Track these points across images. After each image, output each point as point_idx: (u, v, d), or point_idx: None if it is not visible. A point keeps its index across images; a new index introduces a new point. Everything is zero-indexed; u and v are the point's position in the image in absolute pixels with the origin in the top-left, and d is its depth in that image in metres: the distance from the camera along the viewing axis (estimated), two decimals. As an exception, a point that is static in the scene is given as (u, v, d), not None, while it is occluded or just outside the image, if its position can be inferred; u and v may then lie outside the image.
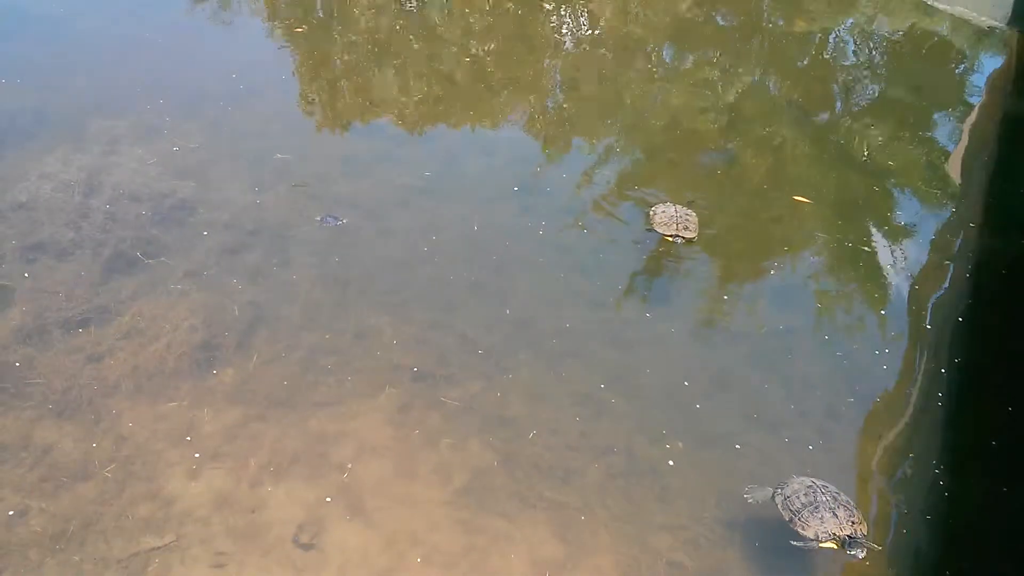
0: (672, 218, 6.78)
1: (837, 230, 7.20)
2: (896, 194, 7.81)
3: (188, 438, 5.12)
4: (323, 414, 5.34)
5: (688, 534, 4.84)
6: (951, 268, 6.90)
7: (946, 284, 6.74)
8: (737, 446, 5.32)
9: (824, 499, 4.66)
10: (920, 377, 5.90)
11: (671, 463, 5.19)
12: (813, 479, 4.82)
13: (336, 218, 6.66)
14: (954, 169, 8.18)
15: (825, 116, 9.12)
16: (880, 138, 8.52)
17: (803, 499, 4.70)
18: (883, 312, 6.45)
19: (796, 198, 7.58)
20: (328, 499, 4.86)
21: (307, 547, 4.63)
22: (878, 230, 7.26)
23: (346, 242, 6.68)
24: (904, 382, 5.86)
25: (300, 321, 5.94)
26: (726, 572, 4.67)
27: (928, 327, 6.32)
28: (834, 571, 4.75)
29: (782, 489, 4.83)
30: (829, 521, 4.58)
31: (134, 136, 7.68)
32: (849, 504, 4.69)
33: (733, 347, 6.05)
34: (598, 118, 8.87)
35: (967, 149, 8.42)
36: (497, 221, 7.03)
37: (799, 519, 4.65)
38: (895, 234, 7.25)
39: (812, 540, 4.58)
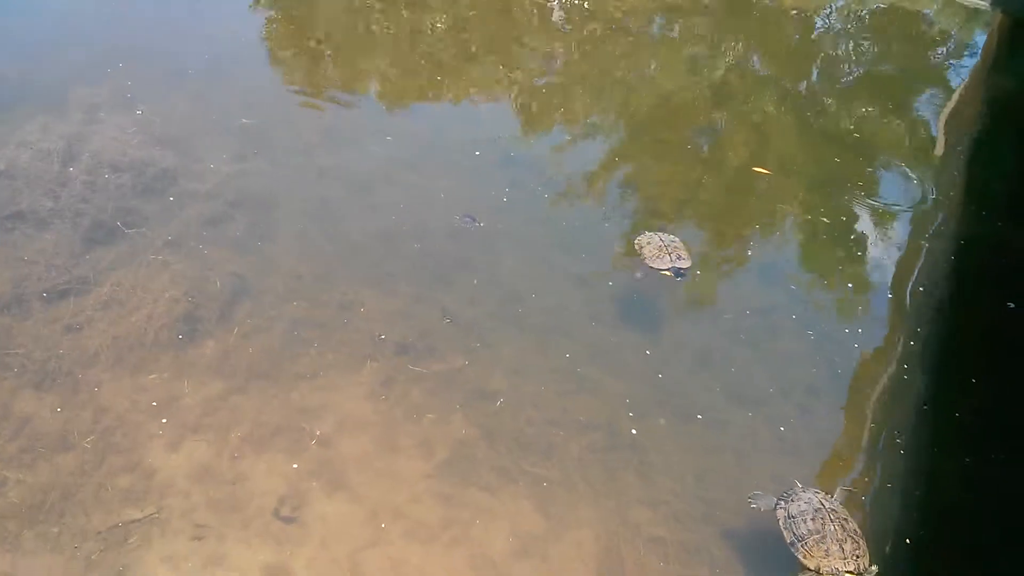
0: (661, 249, 6.33)
1: (818, 208, 7.21)
2: (879, 172, 7.83)
3: (169, 410, 5.09)
4: (305, 387, 5.31)
5: (668, 509, 4.86)
6: (931, 247, 6.92)
7: (926, 263, 6.77)
8: (699, 416, 5.34)
9: (832, 528, 4.46)
10: (898, 355, 5.93)
11: (652, 437, 5.21)
12: (821, 498, 4.64)
13: (473, 219, 6.59)
14: (937, 147, 8.20)
15: (810, 94, 9.11)
16: (864, 116, 8.52)
17: (810, 525, 4.50)
18: (863, 290, 6.48)
19: (756, 169, 7.58)
20: (310, 472, 4.84)
21: (288, 520, 4.62)
22: (860, 208, 7.28)
23: (330, 215, 6.63)
24: (883, 360, 5.90)
25: (283, 293, 5.90)
26: (706, 547, 4.70)
27: (907, 306, 6.35)
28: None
29: (786, 504, 4.64)
30: (835, 555, 4.40)
31: (114, 105, 7.57)
32: (856, 534, 4.50)
33: (715, 325, 6.06)
34: (585, 93, 8.82)
35: (949, 127, 8.44)
36: (483, 196, 6.99)
37: (803, 546, 4.47)
38: (877, 212, 7.27)
39: (812, 571, 4.42)
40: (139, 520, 4.53)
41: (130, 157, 6.95)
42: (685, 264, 6.26)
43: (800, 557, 4.46)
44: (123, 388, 5.17)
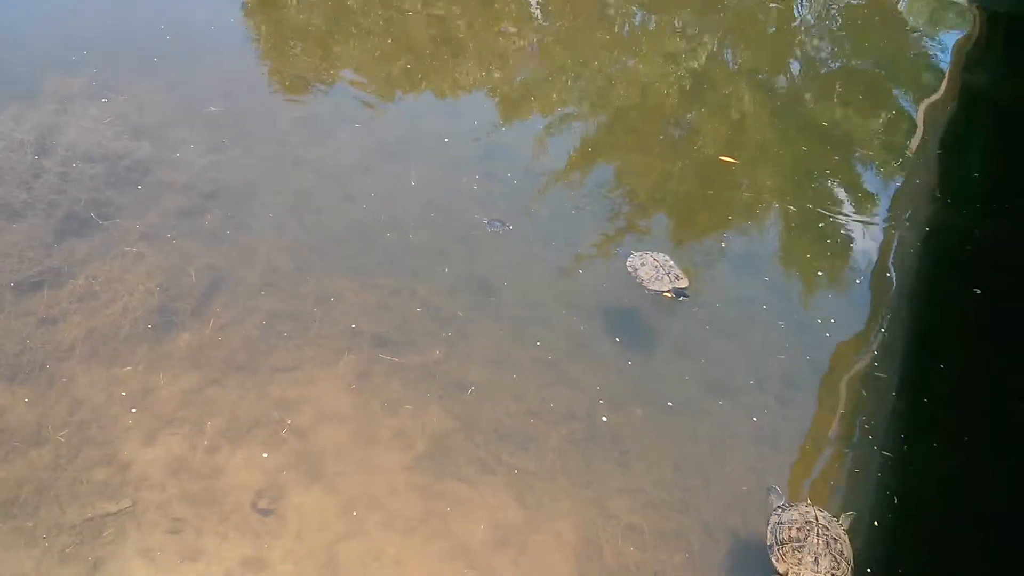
0: (657, 269, 6.14)
1: (795, 198, 7.25)
2: (855, 163, 7.88)
3: (144, 403, 5.05)
4: (282, 379, 5.29)
5: (646, 498, 4.89)
6: (904, 237, 6.98)
7: (898, 253, 6.83)
8: (669, 404, 5.37)
9: (814, 541, 4.41)
10: (869, 343, 5.99)
11: (629, 427, 5.23)
12: (818, 514, 4.59)
13: (502, 223, 6.54)
14: (914, 139, 8.27)
15: (786, 86, 9.16)
16: (840, 108, 8.57)
17: (794, 532, 4.47)
18: (836, 279, 6.53)
19: (723, 158, 7.62)
20: (287, 464, 4.83)
21: (266, 512, 4.60)
22: (836, 199, 7.33)
23: (306, 206, 6.59)
24: (854, 348, 5.95)
25: (259, 285, 5.87)
26: (684, 535, 4.73)
27: (879, 294, 6.40)
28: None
29: (782, 510, 4.65)
30: (807, 566, 4.36)
31: (88, 94, 7.49)
32: (840, 556, 4.42)
33: (693, 315, 6.08)
34: (564, 83, 8.81)
35: (925, 119, 8.51)
36: (460, 186, 6.98)
37: (779, 551, 4.46)
38: (853, 203, 7.32)
39: None
40: (114, 513, 4.49)
41: (104, 148, 6.88)
42: (684, 284, 6.10)
43: (773, 560, 4.45)
44: (98, 381, 5.13)
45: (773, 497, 4.81)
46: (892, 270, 6.62)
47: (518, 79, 8.91)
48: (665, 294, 6.04)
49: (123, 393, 5.08)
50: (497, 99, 8.45)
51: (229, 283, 5.86)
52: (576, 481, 4.94)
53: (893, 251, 6.83)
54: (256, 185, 6.73)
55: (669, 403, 5.41)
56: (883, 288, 6.46)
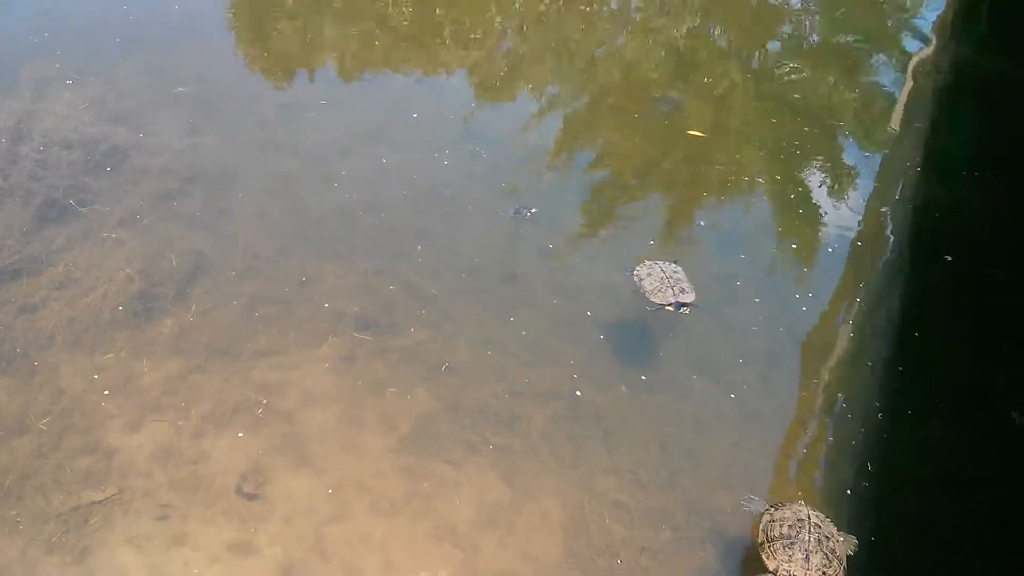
0: (662, 281, 5.79)
1: (779, 175, 7.26)
2: (839, 139, 7.88)
3: (127, 390, 5.03)
4: (265, 364, 5.27)
5: (632, 476, 4.91)
6: (887, 211, 7.00)
7: (885, 229, 6.85)
8: (643, 377, 5.39)
9: (806, 538, 4.31)
10: (848, 317, 6.02)
11: (614, 406, 5.25)
12: (813, 512, 4.51)
13: (527, 208, 6.51)
14: (896, 114, 8.27)
15: (769, 61, 9.13)
16: (822, 82, 8.57)
17: (785, 530, 4.39)
18: (823, 258, 6.55)
19: (691, 132, 7.61)
20: (272, 449, 4.82)
21: (252, 497, 4.60)
22: (820, 175, 7.33)
23: (288, 190, 6.55)
24: (833, 322, 5.98)
25: (241, 270, 5.84)
26: (670, 512, 4.76)
27: (868, 271, 6.43)
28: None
29: (775, 509, 4.57)
30: (797, 563, 4.26)
31: (64, 81, 7.39)
32: (833, 554, 4.31)
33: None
34: (545, 63, 8.77)
35: (909, 94, 8.51)
36: (441, 167, 6.94)
37: (769, 548, 4.37)
38: (837, 179, 7.33)
39: (772, 573, 4.32)
40: (100, 502, 4.48)
41: (81, 133, 6.81)
42: (689, 298, 5.74)
43: (764, 557, 4.37)
44: (80, 368, 5.10)
45: (754, 507, 4.73)
46: (871, 243, 6.65)
47: (501, 59, 8.85)
48: (667, 308, 5.71)
49: (105, 380, 5.06)
50: (478, 79, 8.39)
51: (210, 268, 5.82)
52: (562, 460, 4.96)
53: (872, 225, 6.85)
54: (235, 169, 6.67)
55: (650, 381, 5.42)
56: (862, 261, 6.48)
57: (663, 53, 8.95)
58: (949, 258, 6.41)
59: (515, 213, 6.52)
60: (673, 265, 5.93)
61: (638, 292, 5.81)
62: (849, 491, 4.93)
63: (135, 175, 6.48)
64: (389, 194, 6.61)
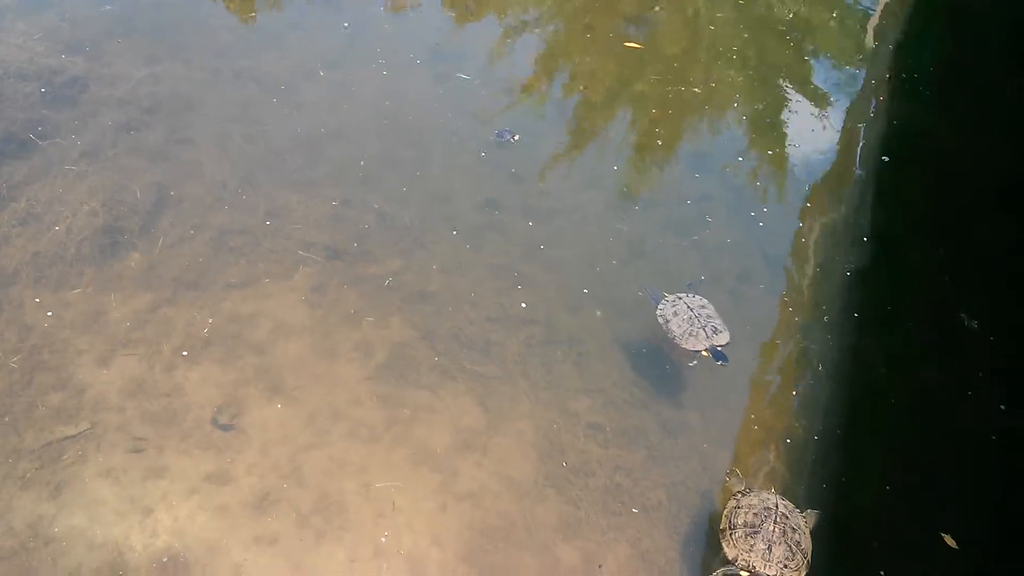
0: (691, 321, 4.97)
1: (755, 96, 7.18)
2: (813, 60, 7.80)
3: (96, 325, 4.97)
4: (236, 296, 5.22)
5: (606, 397, 4.95)
6: (860, 130, 6.97)
7: (855, 145, 6.83)
8: (634, 306, 5.40)
9: (770, 528, 4.11)
10: (833, 242, 6.03)
11: (588, 329, 5.25)
12: (782, 501, 4.27)
13: (511, 132, 6.38)
14: (870, 31, 8.18)
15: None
16: (799, 5, 8.43)
17: (750, 518, 4.17)
18: (798, 178, 6.53)
19: (627, 44, 7.51)
20: (246, 380, 4.80)
21: (227, 428, 4.60)
22: (795, 95, 7.27)
23: (250, 118, 6.40)
24: (816, 246, 5.99)
25: (207, 201, 5.73)
26: (643, 431, 4.81)
27: (841, 192, 6.42)
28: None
29: (742, 495, 4.35)
30: (758, 553, 4.07)
31: (18, 10, 7.11)
32: (797, 547, 4.10)
33: (650, 215, 6.07)
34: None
35: (883, 10, 8.41)
36: (410, 92, 6.81)
37: (731, 535, 4.17)
38: (812, 99, 7.27)
39: (731, 562, 4.14)
40: (73, 436, 4.46)
41: (37, 64, 6.58)
42: (723, 339, 4.93)
43: (724, 545, 4.18)
44: (46, 305, 5.02)
45: (734, 480, 4.60)
46: (856, 164, 6.63)
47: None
48: (703, 353, 4.95)
49: (73, 316, 4.99)
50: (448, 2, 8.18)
51: (175, 200, 5.71)
52: (536, 383, 4.98)
53: (847, 144, 6.83)
54: (196, 98, 6.51)
55: (622, 303, 5.42)
56: (846, 186, 6.47)
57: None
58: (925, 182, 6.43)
59: (497, 136, 6.42)
60: (699, 299, 5.16)
61: (665, 335, 5.04)
62: (826, 414, 5.01)
63: (95, 106, 6.31)
64: (356, 121, 6.48)
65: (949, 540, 4.37)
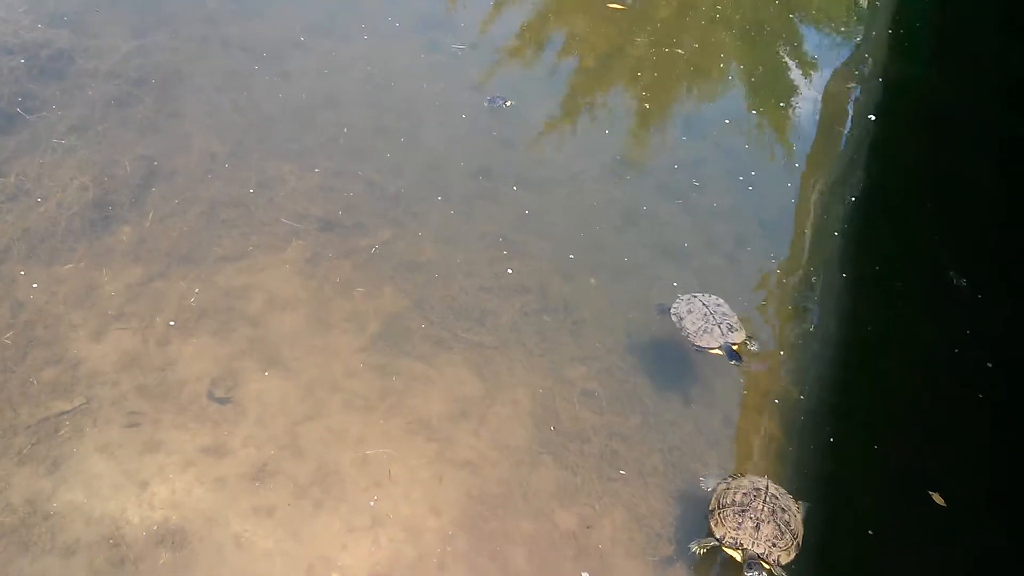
0: (705, 318, 4.85)
1: (749, 58, 7.13)
2: (808, 20, 7.73)
3: (89, 300, 4.95)
4: (229, 268, 5.20)
5: (601, 364, 4.96)
6: (857, 92, 6.93)
7: (848, 106, 6.80)
8: (628, 272, 5.40)
9: (759, 507, 4.04)
10: (824, 203, 6.02)
11: (583, 296, 5.25)
12: (773, 484, 4.20)
13: (503, 99, 6.31)
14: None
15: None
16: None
17: (739, 497, 4.11)
18: (791, 141, 6.50)
19: (611, 5, 7.45)
20: (241, 352, 4.80)
21: (223, 401, 4.60)
22: (789, 57, 7.22)
23: (240, 88, 6.34)
24: (807, 207, 5.98)
25: (197, 174, 5.69)
26: (638, 397, 4.82)
27: (836, 154, 6.40)
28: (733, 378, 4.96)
29: (731, 479, 4.29)
30: (746, 531, 4.01)
31: (-2, -19, 7.03)
32: (786, 527, 4.03)
33: (643, 181, 6.05)
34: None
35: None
36: (400, 60, 6.75)
37: (719, 514, 4.11)
38: (806, 61, 7.22)
39: (718, 540, 4.09)
40: (69, 411, 4.46)
41: (22, 38, 6.51)
42: (738, 337, 4.80)
43: (711, 524, 4.12)
44: (39, 280, 5.00)
45: (710, 483, 4.42)
46: (848, 125, 6.61)
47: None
48: (713, 351, 4.83)
49: (66, 291, 4.97)
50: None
51: (165, 172, 5.68)
52: (531, 351, 4.98)
53: (839, 106, 6.79)
54: (185, 69, 6.44)
55: (618, 270, 5.42)
56: (829, 142, 6.45)
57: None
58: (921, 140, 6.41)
59: (489, 102, 6.37)
60: (715, 297, 5.04)
61: (679, 333, 4.92)
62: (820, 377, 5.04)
63: (82, 79, 6.24)
64: (346, 90, 6.43)
65: (937, 498, 4.41)
